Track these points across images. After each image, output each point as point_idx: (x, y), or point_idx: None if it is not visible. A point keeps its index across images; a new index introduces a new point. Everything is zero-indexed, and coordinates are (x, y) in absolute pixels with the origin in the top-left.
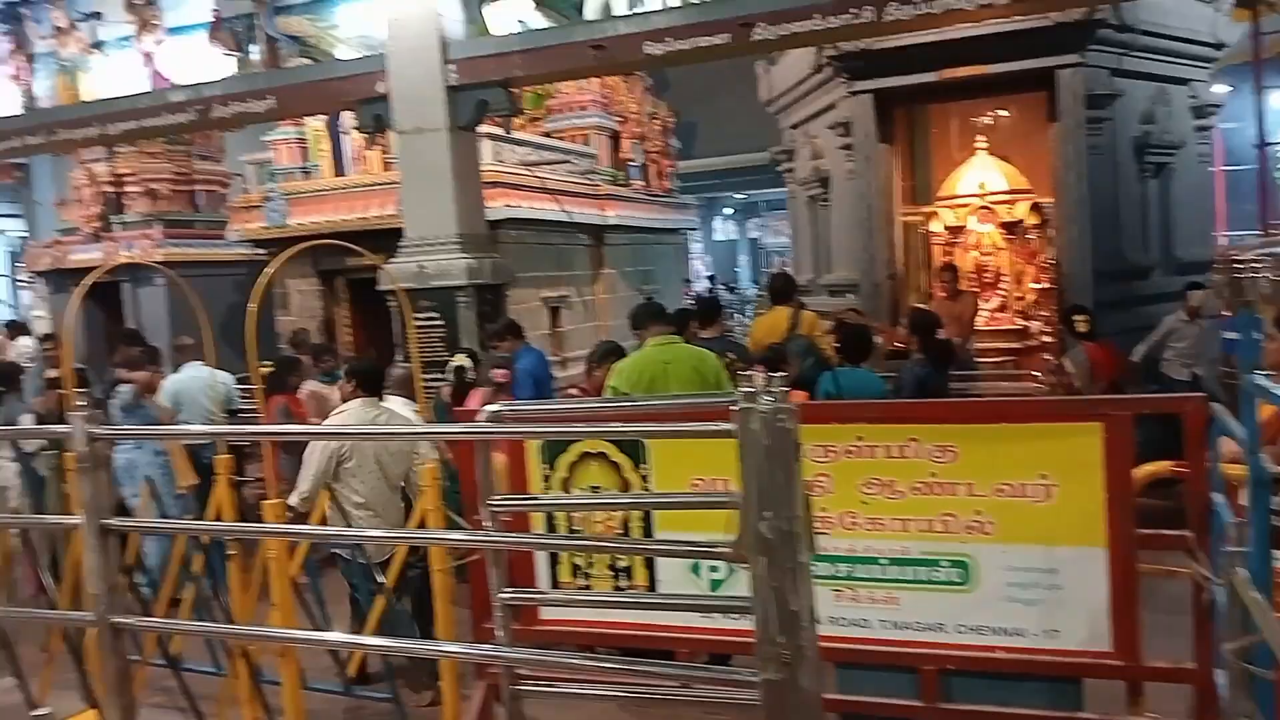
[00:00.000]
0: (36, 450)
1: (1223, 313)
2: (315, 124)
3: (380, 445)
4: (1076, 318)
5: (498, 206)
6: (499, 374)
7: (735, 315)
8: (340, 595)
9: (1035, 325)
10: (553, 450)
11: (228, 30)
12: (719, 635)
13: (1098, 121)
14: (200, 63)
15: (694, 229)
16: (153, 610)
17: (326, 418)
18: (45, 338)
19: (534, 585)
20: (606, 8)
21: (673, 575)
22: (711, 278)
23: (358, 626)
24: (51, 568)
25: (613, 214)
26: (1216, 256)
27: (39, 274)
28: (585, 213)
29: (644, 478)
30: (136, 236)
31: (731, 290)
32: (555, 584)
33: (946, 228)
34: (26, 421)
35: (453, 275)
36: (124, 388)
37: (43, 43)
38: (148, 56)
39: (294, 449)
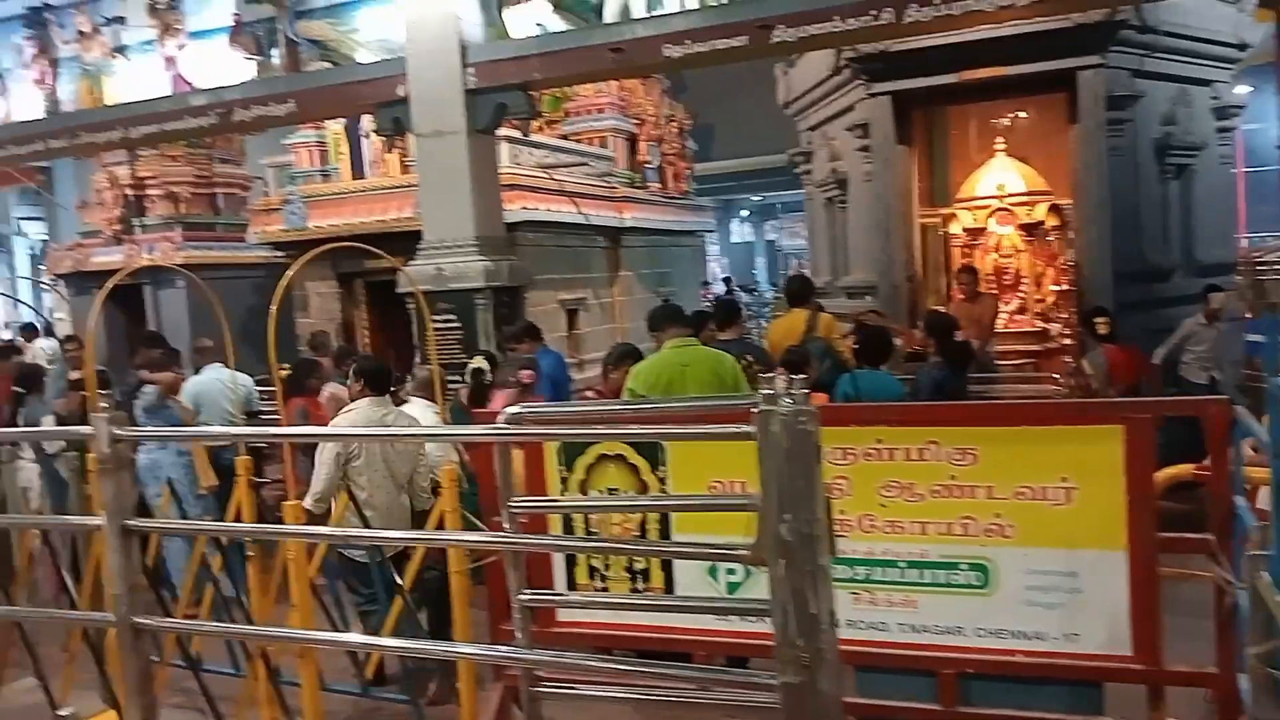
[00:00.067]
0: (58, 451)
1: (1245, 315)
2: (335, 127)
3: (387, 444)
4: (1097, 320)
5: (515, 209)
6: (525, 374)
7: (754, 318)
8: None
9: (1055, 327)
10: (570, 452)
11: (249, 34)
12: (736, 638)
13: (1118, 123)
14: (221, 67)
15: (711, 231)
16: (173, 611)
17: None
18: (67, 339)
19: (551, 587)
20: (625, 10)
21: (690, 578)
22: (727, 279)
23: (369, 631)
24: (72, 568)
25: (630, 216)
26: (1238, 258)
27: (61, 276)
28: (602, 215)
29: (661, 480)
30: (157, 239)
31: (750, 292)
32: (572, 586)
33: (965, 230)
34: (48, 423)
35: (470, 278)
36: (148, 389)
37: (66, 47)
38: (170, 61)
39: (312, 451)
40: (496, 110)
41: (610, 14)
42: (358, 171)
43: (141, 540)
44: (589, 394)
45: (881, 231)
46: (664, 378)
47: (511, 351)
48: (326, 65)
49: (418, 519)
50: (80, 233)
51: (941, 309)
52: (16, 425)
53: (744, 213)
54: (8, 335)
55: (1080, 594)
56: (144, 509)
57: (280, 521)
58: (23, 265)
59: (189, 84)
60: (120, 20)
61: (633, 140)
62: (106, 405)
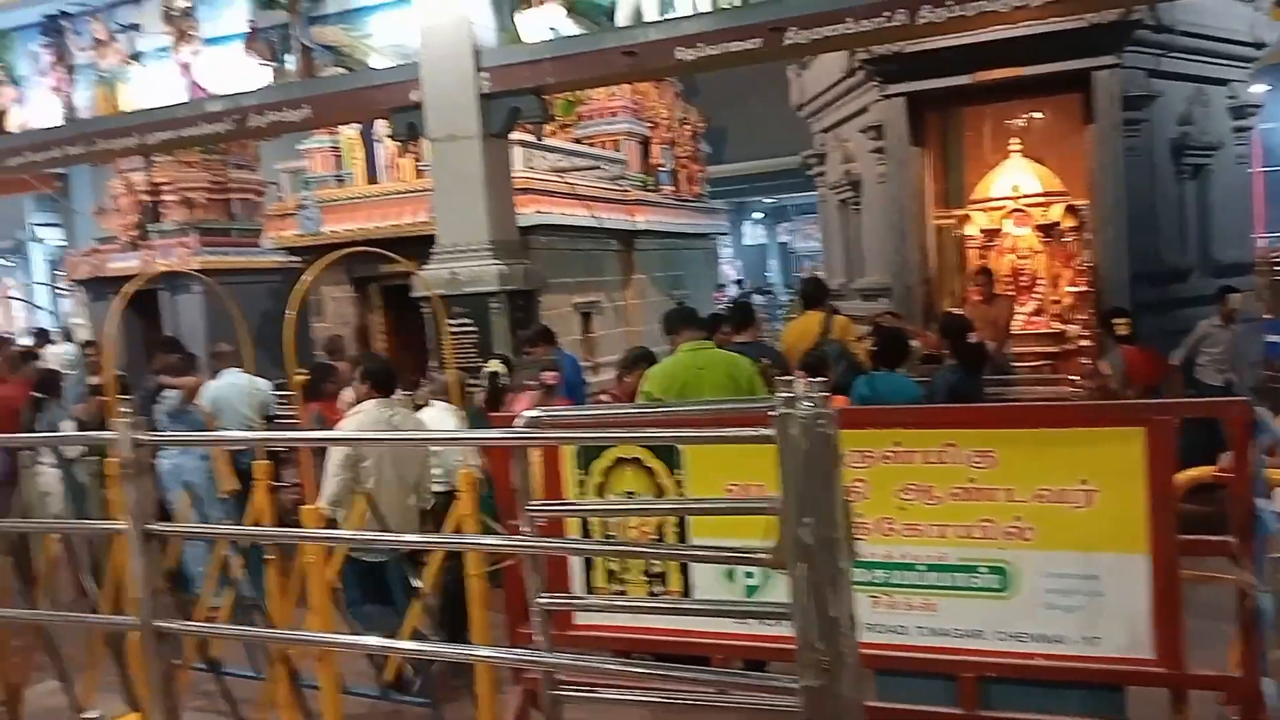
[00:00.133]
0: (77, 457)
1: (1264, 316)
2: (349, 132)
3: (394, 446)
4: (1116, 321)
5: (529, 213)
6: (549, 376)
7: (768, 320)
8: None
9: (1072, 329)
10: (587, 455)
11: (263, 40)
12: (754, 641)
13: (1134, 123)
14: (236, 73)
15: (724, 234)
16: (193, 615)
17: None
18: (85, 344)
19: (568, 590)
20: (638, 14)
21: (708, 581)
22: (740, 282)
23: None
24: (92, 572)
25: (643, 219)
26: (1256, 259)
27: (78, 282)
28: (615, 218)
29: (679, 483)
30: (173, 245)
31: (764, 294)
32: (590, 589)
33: (981, 231)
34: (68, 428)
35: (485, 281)
36: (170, 393)
37: (83, 54)
38: (185, 67)
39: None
40: (510, 114)
41: (623, 18)
42: (372, 176)
43: (161, 545)
44: (603, 397)
45: (896, 233)
46: (679, 381)
47: (526, 355)
48: (341, 71)
49: (421, 519)
50: (97, 239)
51: (957, 311)
52: (36, 430)
53: (757, 215)
54: (25, 341)
55: (1101, 597)
56: (164, 513)
57: (298, 525)
58: (40, 271)
59: (204, 90)
60: (136, 27)
61: (646, 143)
62: (128, 410)
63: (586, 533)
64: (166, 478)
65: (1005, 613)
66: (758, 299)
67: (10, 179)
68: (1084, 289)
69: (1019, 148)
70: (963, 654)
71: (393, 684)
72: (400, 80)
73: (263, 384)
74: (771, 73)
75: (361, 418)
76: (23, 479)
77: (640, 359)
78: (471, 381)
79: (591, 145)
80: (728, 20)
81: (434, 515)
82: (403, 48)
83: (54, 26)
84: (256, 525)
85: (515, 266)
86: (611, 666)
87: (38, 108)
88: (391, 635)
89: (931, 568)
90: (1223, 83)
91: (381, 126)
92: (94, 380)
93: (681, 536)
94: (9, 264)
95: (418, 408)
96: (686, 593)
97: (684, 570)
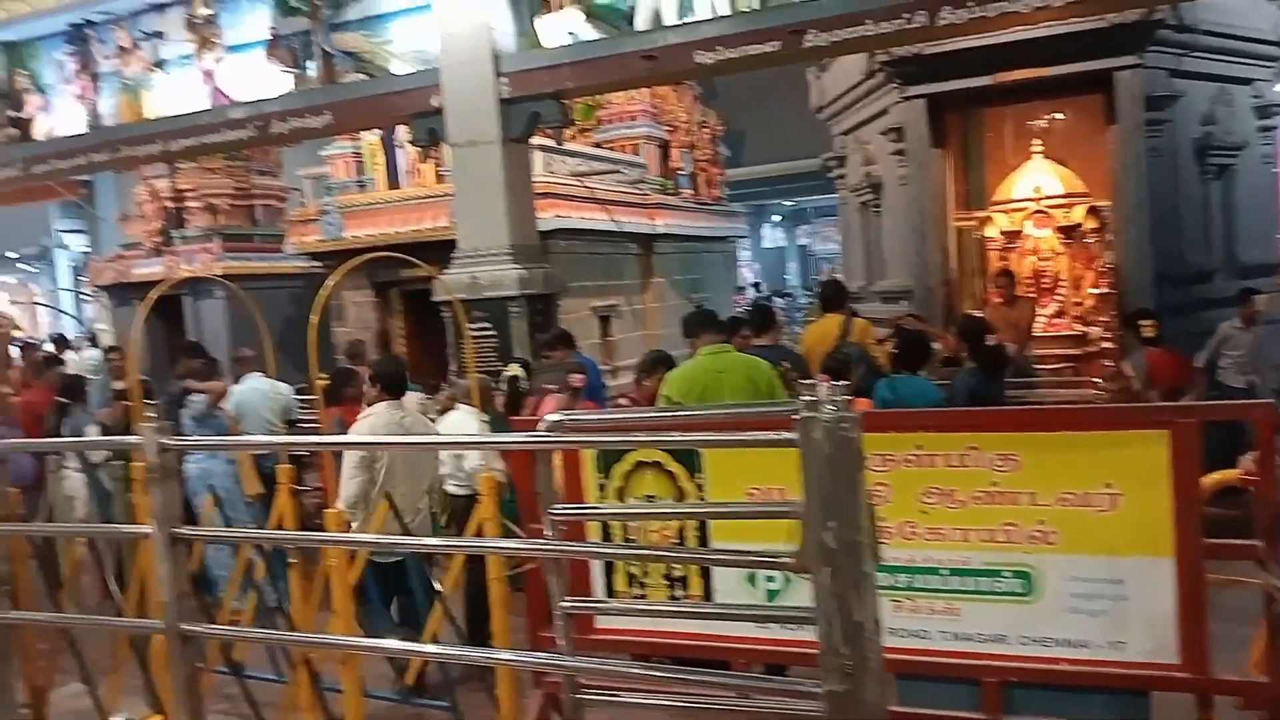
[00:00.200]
0: (102, 461)
1: None
2: (370, 138)
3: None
4: (1142, 322)
5: (548, 217)
6: (576, 378)
7: (788, 323)
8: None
9: (1094, 331)
10: (608, 459)
11: (285, 47)
12: (776, 646)
13: (1157, 123)
14: (259, 80)
15: (743, 237)
16: (217, 618)
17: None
18: (110, 349)
19: (589, 594)
20: (657, 18)
21: (729, 585)
22: (757, 285)
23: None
24: (116, 575)
25: (662, 223)
26: None
27: (102, 288)
28: (635, 222)
29: (699, 487)
30: (197, 251)
31: (784, 297)
32: (611, 593)
33: (1002, 233)
34: (93, 433)
35: (505, 286)
36: (197, 398)
37: (107, 62)
38: (208, 74)
39: None
40: (530, 119)
41: (642, 21)
42: (393, 182)
43: (186, 547)
44: (622, 401)
45: (916, 235)
46: (699, 384)
47: (546, 359)
48: (362, 77)
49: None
50: (121, 245)
51: (977, 313)
52: (61, 435)
53: (776, 218)
54: (49, 347)
55: (1126, 601)
56: (190, 517)
57: (321, 529)
58: (65, 277)
59: (227, 97)
60: (159, 35)
61: (665, 147)
62: (154, 415)
63: (607, 536)
64: (193, 481)
65: (1029, 617)
66: (777, 302)
67: (36, 186)
68: (1106, 291)
69: (1040, 149)
70: (986, 658)
71: (415, 687)
72: (421, 86)
73: (285, 389)
74: (791, 75)
75: (373, 420)
76: (49, 483)
77: (659, 362)
78: (495, 386)
79: (611, 149)
80: (747, 23)
81: (456, 519)
82: (423, 53)
83: (79, 35)
84: (279, 529)
85: (535, 271)
86: (635, 671)
87: (63, 115)
88: (412, 638)
89: (954, 572)
90: (1247, 82)
91: (402, 132)
92: (118, 385)
93: (702, 540)
94: (34, 270)
95: (442, 411)
96: (707, 597)
97: (705, 574)
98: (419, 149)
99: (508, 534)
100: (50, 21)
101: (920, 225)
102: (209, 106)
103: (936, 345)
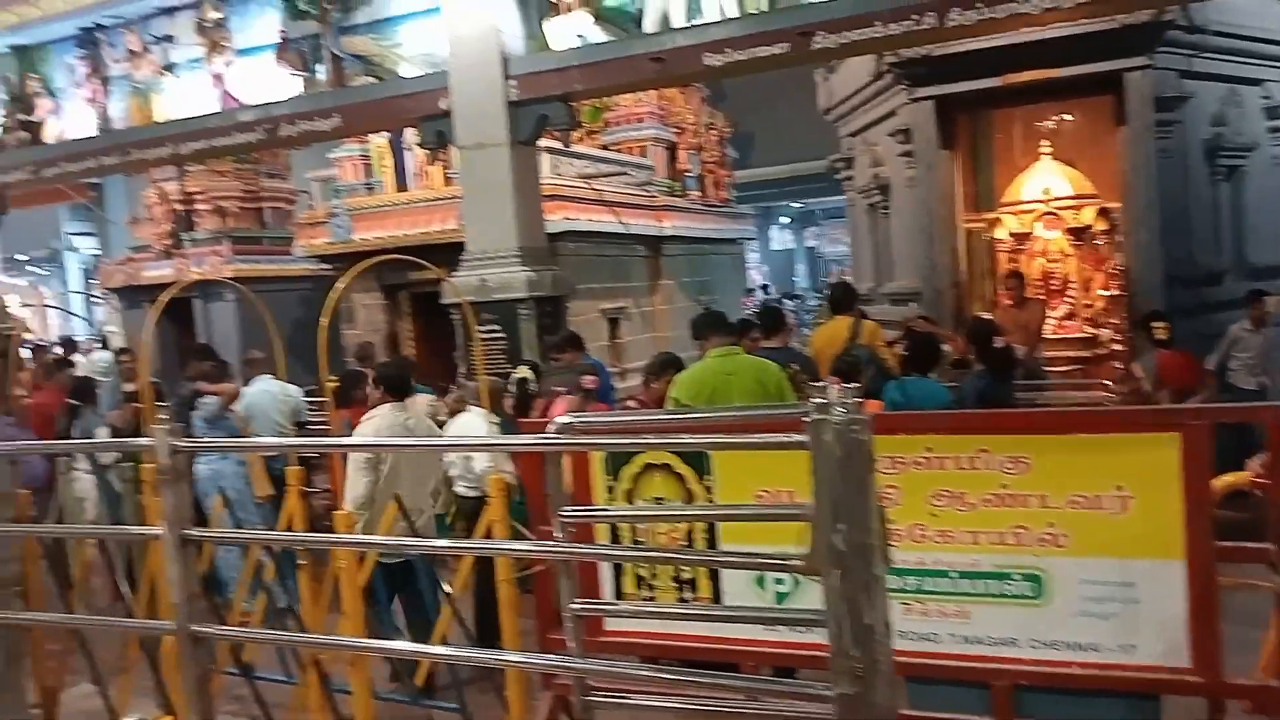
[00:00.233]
0: (112, 463)
1: None
2: (379, 141)
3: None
4: (1155, 324)
5: (557, 219)
6: (588, 380)
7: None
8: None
9: (1104, 333)
10: (616, 461)
11: (294, 51)
12: (785, 648)
13: (1167, 124)
14: (268, 83)
15: (751, 239)
16: (227, 619)
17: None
18: (120, 352)
19: (598, 596)
20: (665, 20)
21: (738, 588)
22: (765, 287)
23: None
24: (127, 576)
25: (670, 225)
26: None
27: (112, 290)
28: (642, 224)
29: (708, 489)
30: (206, 253)
31: (793, 299)
32: (619, 595)
33: (1011, 234)
34: (103, 434)
35: (514, 288)
36: (209, 399)
37: (117, 66)
38: (217, 78)
39: None
40: (538, 121)
41: (650, 24)
42: (401, 184)
43: (196, 548)
44: (630, 403)
45: (925, 237)
46: (708, 387)
47: (554, 361)
48: (371, 80)
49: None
50: (131, 247)
51: (986, 315)
52: (71, 437)
53: (784, 219)
54: (58, 350)
55: (1137, 604)
56: (201, 519)
57: (330, 530)
58: (75, 280)
59: (236, 100)
60: (169, 39)
61: (673, 149)
62: (166, 417)
63: (615, 538)
64: (204, 483)
65: (1039, 620)
66: (786, 304)
67: (46, 189)
68: (1116, 293)
69: (1049, 150)
70: (996, 662)
71: (424, 688)
72: (429, 89)
73: (294, 391)
74: (799, 77)
75: (377, 422)
76: (59, 484)
77: (667, 365)
78: (506, 388)
79: (618, 151)
80: (755, 25)
81: (465, 520)
82: (432, 56)
83: (89, 39)
84: (289, 530)
85: (543, 273)
86: (646, 673)
87: (73, 119)
88: (422, 639)
89: (964, 574)
90: (1257, 83)
91: (411, 135)
92: (129, 387)
93: (711, 542)
94: (45, 272)
95: (452, 414)
96: (716, 599)
97: (714, 576)
98: (427, 151)
99: (516, 536)
100: (61, 25)
101: (929, 227)
102: (218, 110)
103: (946, 347)
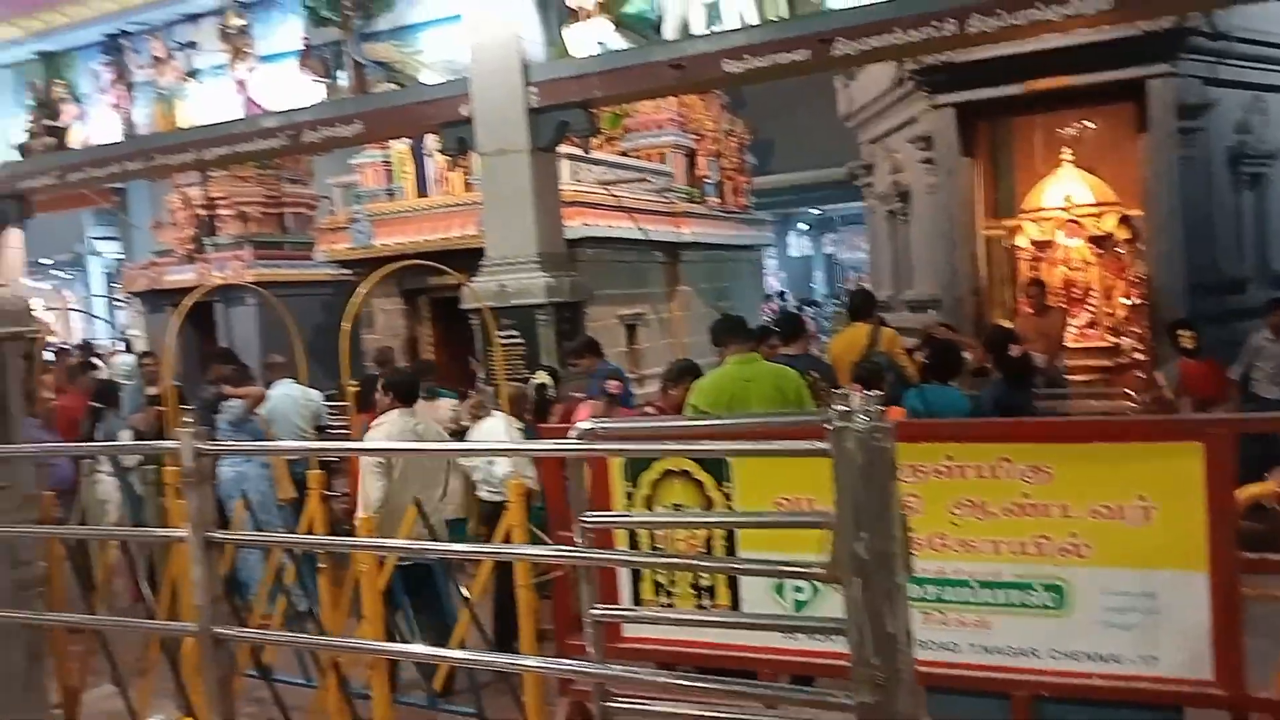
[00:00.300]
0: (135, 465)
1: None
2: (400, 147)
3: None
4: (1182, 333)
5: (576, 225)
6: (613, 385)
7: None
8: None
9: (1126, 342)
10: (635, 468)
11: (317, 58)
12: (804, 656)
13: (1190, 132)
14: (291, 89)
15: (769, 245)
16: (248, 622)
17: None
18: (142, 355)
19: (616, 602)
20: (685, 27)
21: (756, 595)
22: (782, 294)
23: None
24: (148, 578)
25: (688, 231)
26: None
27: (135, 294)
28: (661, 230)
29: (727, 496)
30: (228, 258)
31: (812, 306)
32: (638, 601)
33: (1032, 242)
34: (125, 437)
35: (533, 294)
36: (234, 403)
37: (141, 72)
38: (241, 84)
39: None
40: (558, 128)
41: (670, 30)
42: (422, 190)
43: (219, 551)
44: (648, 410)
45: (946, 244)
46: (726, 393)
47: (573, 367)
48: (392, 87)
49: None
50: (154, 252)
51: (1006, 323)
52: (94, 440)
53: (802, 226)
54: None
55: (1159, 615)
56: (224, 521)
57: (349, 534)
58: (98, 284)
59: (259, 106)
60: (193, 45)
61: (692, 155)
62: (190, 420)
63: (634, 544)
64: (228, 485)
65: (1061, 630)
66: (805, 311)
67: (71, 193)
68: (1137, 301)
69: (1071, 157)
70: (1017, 672)
71: (442, 692)
72: (450, 95)
73: (315, 395)
74: (818, 83)
75: (387, 428)
76: (82, 487)
77: (685, 371)
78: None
79: (638, 158)
80: (775, 32)
81: (488, 525)
82: (453, 63)
83: (114, 45)
84: (310, 534)
85: (562, 278)
86: (668, 680)
87: (98, 124)
88: (436, 643)
89: (985, 584)
90: None
91: (432, 141)
92: (151, 390)
93: (730, 550)
94: (68, 276)
95: (475, 418)
96: (735, 606)
97: (732, 584)
98: (448, 158)
99: (535, 541)
100: (87, 32)
101: (949, 234)
102: (241, 116)
103: (966, 355)
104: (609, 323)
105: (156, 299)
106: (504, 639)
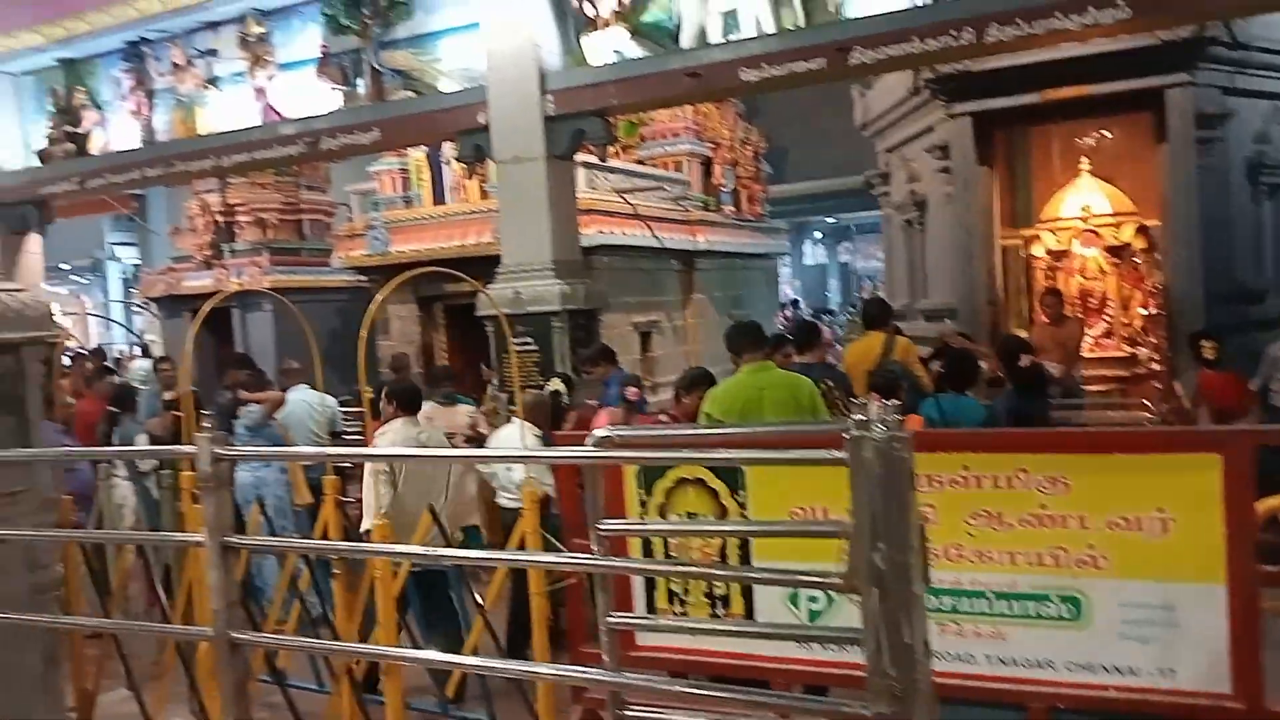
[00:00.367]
0: (151, 470)
1: None
2: (417, 154)
3: (424, 461)
4: (1204, 343)
5: (591, 233)
6: (631, 391)
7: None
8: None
9: (1143, 352)
10: (649, 476)
11: (335, 65)
12: (818, 666)
13: (1209, 141)
14: (309, 97)
15: (784, 254)
16: (262, 627)
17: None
18: (160, 360)
19: (630, 610)
20: (702, 36)
21: (770, 604)
22: (796, 302)
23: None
24: (164, 583)
25: (703, 239)
26: None
27: (153, 299)
28: (676, 238)
29: (741, 505)
30: (246, 264)
31: (828, 314)
32: (651, 610)
33: (1049, 252)
34: (142, 442)
35: (548, 301)
36: (252, 408)
37: (161, 79)
38: (260, 91)
39: None
40: (574, 136)
41: (687, 39)
42: (438, 198)
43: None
44: (662, 418)
45: (962, 253)
46: (740, 401)
47: (587, 374)
48: (410, 94)
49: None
50: (172, 258)
51: (1021, 333)
52: (111, 444)
53: (817, 235)
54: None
55: (1177, 628)
56: (241, 526)
57: (365, 540)
58: (116, 289)
59: (278, 114)
60: (213, 53)
61: (707, 164)
62: (208, 425)
63: (648, 552)
64: (246, 490)
65: (1077, 643)
66: (821, 320)
67: (90, 199)
68: (1155, 311)
69: (1088, 167)
70: (1033, 684)
71: (454, 698)
72: (468, 103)
73: (330, 401)
74: (834, 92)
75: (391, 436)
76: (99, 491)
77: (699, 379)
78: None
79: (654, 166)
80: (792, 41)
81: (505, 532)
82: (470, 71)
83: (135, 52)
84: (324, 539)
85: (577, 286)
86: (684, 689)
87: (118, 131)
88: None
89: (1001, 595)
90: None
91: (449, 149)
92: (168, 395)
93: (744, 559)
94: (86, 282)
95: (492, 425)
96: (749, 615)
97: (747, 593)
98: (464, 165)
99: (549, 548)
100: (107, 39)
101: (966, 243)
102: (260, 123)
103: (983, 364)
104: (624, 330)
105: (174, 304)
106: (517, 645)
